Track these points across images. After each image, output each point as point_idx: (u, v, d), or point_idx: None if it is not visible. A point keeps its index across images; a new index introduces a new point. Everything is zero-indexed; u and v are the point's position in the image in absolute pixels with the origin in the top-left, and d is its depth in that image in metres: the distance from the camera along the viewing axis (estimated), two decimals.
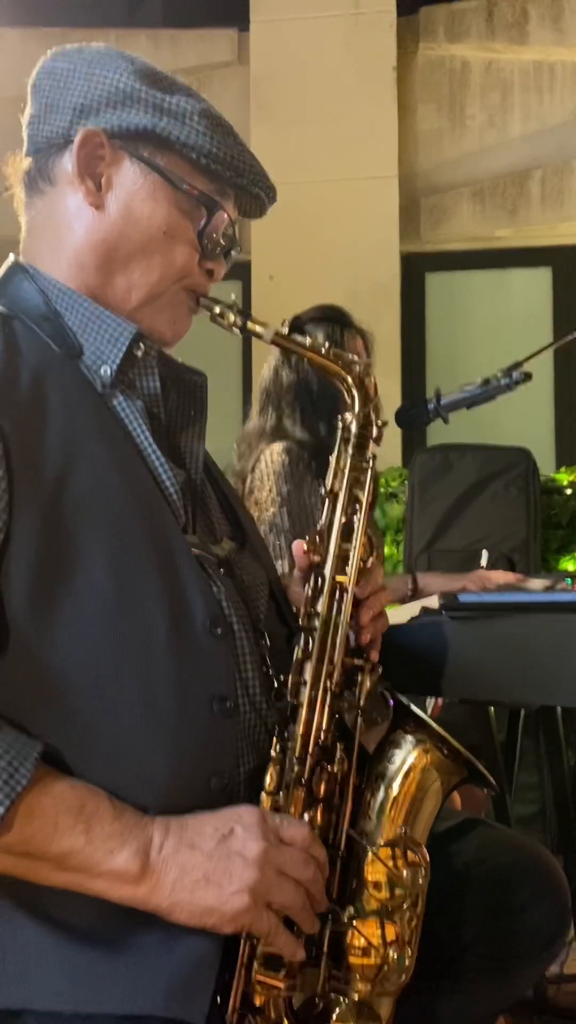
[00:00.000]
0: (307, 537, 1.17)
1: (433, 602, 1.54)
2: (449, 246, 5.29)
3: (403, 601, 2.18)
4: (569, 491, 3.67)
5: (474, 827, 1.31)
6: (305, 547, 1.16)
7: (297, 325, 2.27)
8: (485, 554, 2.49)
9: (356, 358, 1.20)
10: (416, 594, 2.19)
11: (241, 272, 5.01)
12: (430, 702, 2.26)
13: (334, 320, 2.32)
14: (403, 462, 4.26)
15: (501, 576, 2.21)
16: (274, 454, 2.22)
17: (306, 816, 1.05)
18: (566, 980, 2.32)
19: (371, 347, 2.42)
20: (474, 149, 5.22)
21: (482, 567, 2.37)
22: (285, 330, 1.18)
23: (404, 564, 3.58)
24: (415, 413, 2.17)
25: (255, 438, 2.31)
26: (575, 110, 5.12)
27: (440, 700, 2.27)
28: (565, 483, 3.72)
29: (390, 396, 4.46)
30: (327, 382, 2.24)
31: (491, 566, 2.38)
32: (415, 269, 5.29)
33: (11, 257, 1.18)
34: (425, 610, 1.46)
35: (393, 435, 3.11)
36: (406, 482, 3.72)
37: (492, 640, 1.32)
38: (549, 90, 5.15)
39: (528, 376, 2.01)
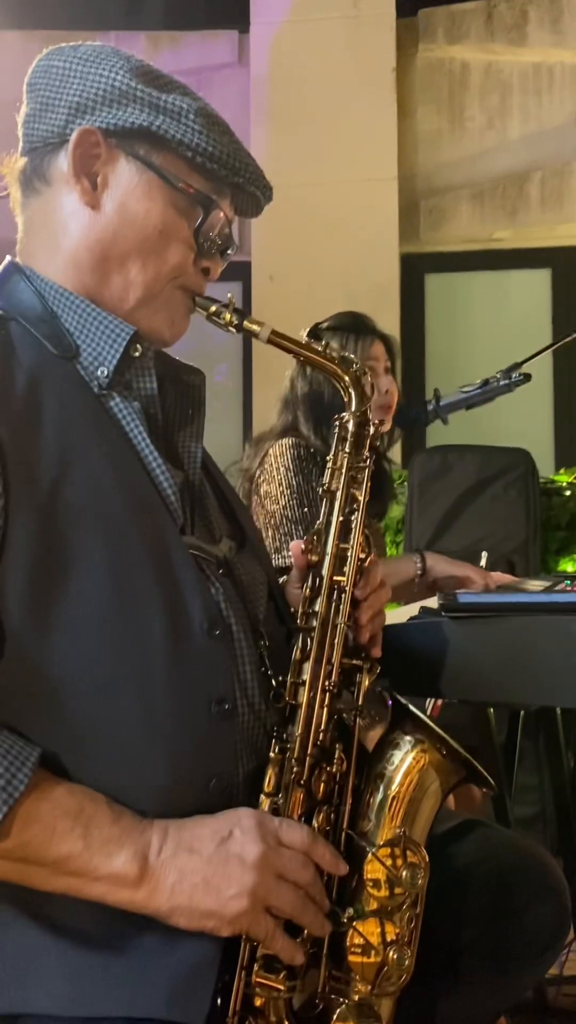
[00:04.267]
0: (305, 536, 1.17)
1: (433, 602, 1.54)
2: (448, 247, 5.30)
3: (412, 580, 2.18)
4: (568, 492, 3.67)
5: (474, 828, 1.31)
6: (303, 547, 1.16)
7: (314, 334, 2.29)
8: (484, 555, 2.49)
9: (353, 357, 1.21)
10: (424, 575, 2.19)
11: (241, 272, 5.01)
12: (429, 703, 2.25)
13: (347, 329, 2.35)
14: (402, 463, 4.26)
15: (501, 578, 2.21)
16: (284, 447, 2.25)
17: (303, 818, 1.05)
18: (566, 982, 2.31)
19: (395, 350, 2.45)
20: (473, 151, 5.23)
21: (481, 568, 2.37)
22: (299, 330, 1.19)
23: None
24: (414, 414, 2.18)
25: (267, 437, 2.34)
26: (574, 112, 5.12)
27: (439, 701, 2.27)
28: (564, 484, 3.72)
29: None
30: (335, 395, 2.27)
31: (491, 567, 2.38)
32: (414, 270, 5.29)
33: (7, 258, 1.18)
34: (424, 610, 1.46)
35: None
36: (405, 483, 3.72)
37: (492, 640, 1.32)
38: (548, 92, 5.16)
39: (527, 377, 2.01)
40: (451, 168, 5.24)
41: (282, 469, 2.21)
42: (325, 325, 2.34)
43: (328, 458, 1.20)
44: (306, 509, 2.16)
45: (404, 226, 5.17)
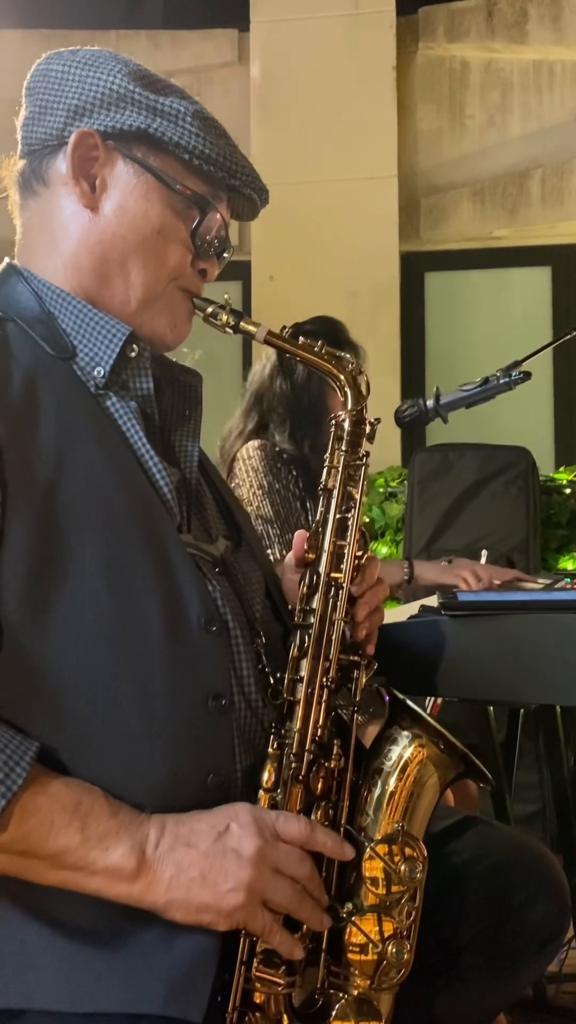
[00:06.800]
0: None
1: (433, 601, 1.54)
2: (449, 246, 5.30)
3: (399, 586, 2.19)
4: (568, 490, 3.67)
5: (474, 825, 1.31)
6: (306, 541, 1.17)
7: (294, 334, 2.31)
8: (485, 553, 2.49)
9: (349, 356, 1.21)
10: (411, 580, 2.20)
11: (241, 272, 5.01)
12: (429, 701, 2.26)
13: (324, 337, 2.35)
14: (403, 462, 4.26)
15: (499, 573, 2.21)
16: (250, 450, 2.28)
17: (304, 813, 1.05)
18: (566, 979, 2.32)
19: (363, 361, 2.45)
20: (474, 149, 5.22)
21: (481, 564, 2.37)
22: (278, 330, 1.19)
23: None
24: (414, 412, 2.17)
25: (233, 441, 2.37)
26: (575, 110, 5.12)
27: (439, 699, 2.27)
28: (564, 482, 3.72)
29: (390, 395, 4.48)
30: (317, 399, 2.30)
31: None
32: (415, 269, 5.29)
33: (5, 260, 1.19)
34: (424, 609, 1.46)
35: (393, 435, 3.11)
36: (405, 482, 3.72)
37: (491, 639, 1.32)
38: (549, 90, 5.15)
39: (527, 375, 2.00)
40: (451, 166, 5.23)
41: (251, 471, 2.24)
42: (307, 328, 2.34)
43: (325, 456, 1.20)
44: (279, 507, 2.18)
45: (404, 224, 5.16)
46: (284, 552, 2.09)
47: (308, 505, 2.28)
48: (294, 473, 2.28)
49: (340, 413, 1.20)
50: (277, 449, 2.29)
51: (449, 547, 3.46)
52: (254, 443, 2.30)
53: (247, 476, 2.24)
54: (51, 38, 4.78)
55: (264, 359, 2.45)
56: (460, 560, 2.32)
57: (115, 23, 5.44)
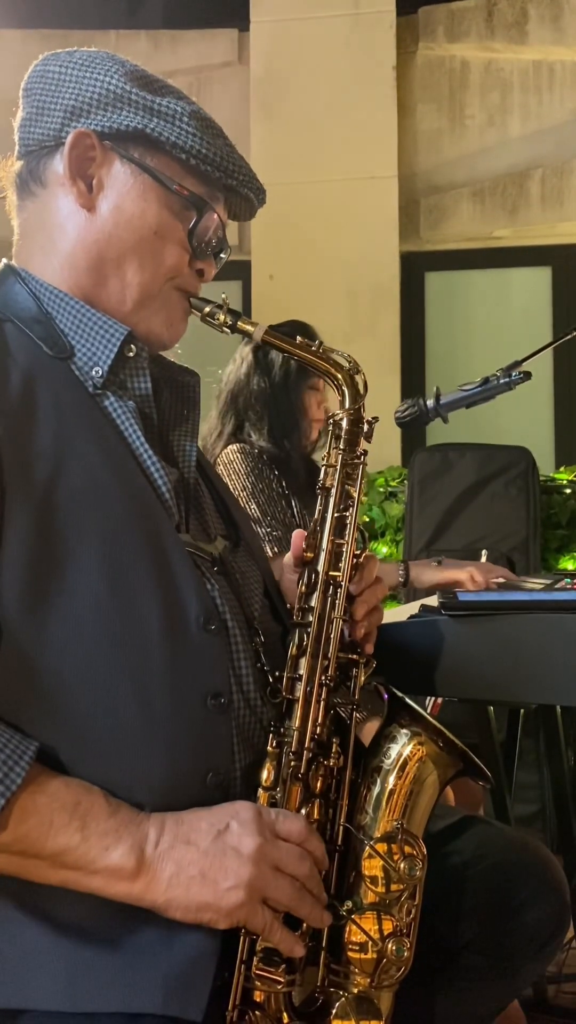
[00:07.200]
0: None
1: (433, 601, 1.54)
2: (449, 246, 5.30)
3: (395, 588, 2.20)
4: (569, 490, 3.67)
5: (474, 825, 1.31)
6: (304, 540, 1.17)
7: None
8: (484, 554, 2.49)
9: (346, 355, 1.22)
10: (407, 583, 2.20)
11: (241, 272, 5.01)
12: (430, 701, 2.26)
13: None
14: (403, 461, 4.26)
15: (489, 569, 2.21)
16: (231, 453, 2.30)
17: (303, 811, 1.05)
18: (565, 979, 2.32)
19: None
20: (474, 149, 5.22)
21: (482, 564, 2.37)
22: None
23: None
24: (414, 412, 2.17)
25: (213, 442, 2.38)
26: (575, 110, 5.12)
27: (440, 699, 2.27)
28: (564, 482, 3.72)
29: (390, 395, 4.48)
30: (295, 398, 2.31)
31: None
32: (415, 268, 5.29)
33: (2, 261, 1.19)
34: (424, 608, 1.46)
35: (392, 434, 3.11)
36: (405, 481, 3.72)
37: (492, 638, 1.32)
38: (549, 90, 5.15)
39: (527, 375, 2.00)
40: (451, 166, 5.23)
41: (233, 475, 2.25)
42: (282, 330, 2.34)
43: (322, 457, 1.21)
44: (265, 506, 2.19)
45: (404, 224, 5.17)
46: (276, 549, 2.09)
47: (293, 502, 2.29)
48: (275, 472, 2.29)
49: (338, 412, 1.20)
50: (256, 450, 2.30)
51: (449, 547, 3.46)
52: (234, 447, 2.31)
53: (230, 480, 2.25)
54: (51, 38, 4.78)
55: (239, 358, 2.44)
56: (449, 561, 2.33)
57: (115, 23, 5.44)
